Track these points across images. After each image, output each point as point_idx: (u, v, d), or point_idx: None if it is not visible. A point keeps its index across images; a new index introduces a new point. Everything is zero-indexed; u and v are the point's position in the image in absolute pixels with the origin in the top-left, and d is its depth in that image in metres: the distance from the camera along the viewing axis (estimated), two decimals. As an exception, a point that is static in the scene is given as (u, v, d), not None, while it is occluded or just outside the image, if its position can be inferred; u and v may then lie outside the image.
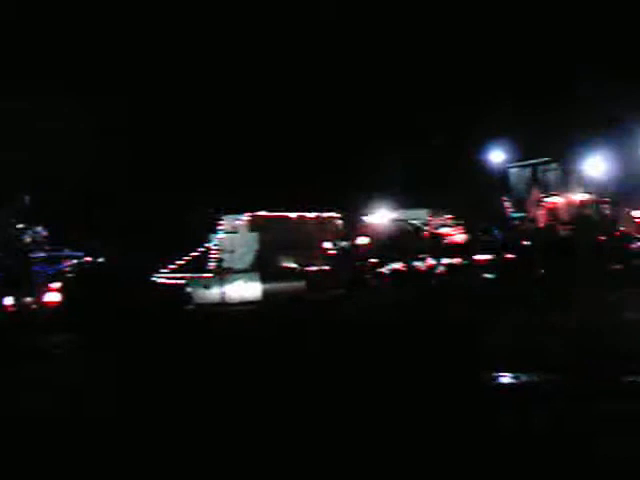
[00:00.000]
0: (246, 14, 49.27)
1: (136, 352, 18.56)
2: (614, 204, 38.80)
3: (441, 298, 29.42)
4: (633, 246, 35.78)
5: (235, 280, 36.37)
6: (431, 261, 37.43)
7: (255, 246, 39.13)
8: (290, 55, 49.02)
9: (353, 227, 40.63)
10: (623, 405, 9.04)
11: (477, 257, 36.77)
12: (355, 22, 48.14)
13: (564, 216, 38.62)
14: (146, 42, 46.09)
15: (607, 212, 38.78)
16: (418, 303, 27.89)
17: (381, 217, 40.29)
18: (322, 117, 48.24)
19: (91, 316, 25.33)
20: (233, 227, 39.84)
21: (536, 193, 40.63)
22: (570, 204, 39.00)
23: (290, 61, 49.21)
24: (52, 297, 26.91)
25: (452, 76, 48.54)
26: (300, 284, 36.88)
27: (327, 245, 39.18)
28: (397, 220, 40.24)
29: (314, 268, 38.34)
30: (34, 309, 27.88)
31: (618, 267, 33.21)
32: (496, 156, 44.95)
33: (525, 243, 37.30)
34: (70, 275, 28.56)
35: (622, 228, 37.55)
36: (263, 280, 36.36)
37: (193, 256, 37.65)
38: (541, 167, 41.86)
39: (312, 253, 39.32)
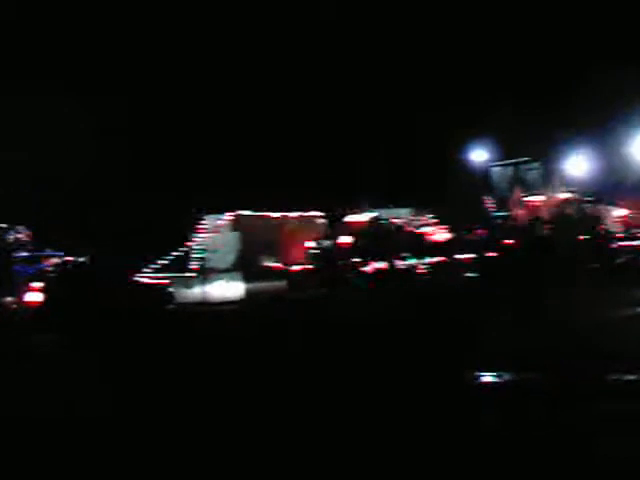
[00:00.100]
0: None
1: (118, 352, 18.51)
2: (595, 203, 38.98)
3: (423, 297, 29.45)
4: (614, 245, 35.92)
5: (217, 280, 36.35)
6: (413, 260, 37.49)
7: (237, 246, 39.11)
8: (274, 55, 49.09)
9: (335, 226, 40.62)
10: (607, 404, 9.06)
11: (459, 256, 36.88)
12: (338, 29, 48.21)
13: (545, 215, 38.75)
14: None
15: (588, 211, 38.94)
16: (400, 302, 27.91)
17: (363, 216, 40.31)
18: (304, 117, 48.25)
19: (73, 316, 25.22)
20: (215, 227, 39.81)
21: (518, 192, 40.80)
22: (551, 203, 39.16)
23: (273, 61, 49.26)
24: (33, 297, 26.77)
25: (435, 77, 48.63)
26: (282, 284, 36.88)
27: (309, 244, 39.17)
28: (379, 219, 40.28)
29: (296, 268, 38.33)
30: (15, 309, 27.75)
31: (599, 266, 33.34)
32: (478, 155, 45.12)
33: (507, 242, 37.38)
34: (51, 275, 28.39)
35: (603, 227, 37.70)
36: (245, 280, 36.35)
37: (175, 256, 37.60)
38: (523, 166, 42.06)
39: (295, 253, 39.32)
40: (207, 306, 33.68)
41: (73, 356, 19.08)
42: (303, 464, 7.88)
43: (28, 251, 30.23)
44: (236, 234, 39.45)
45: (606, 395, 9.58)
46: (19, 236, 30.68)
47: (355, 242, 38.37)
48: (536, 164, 41.88)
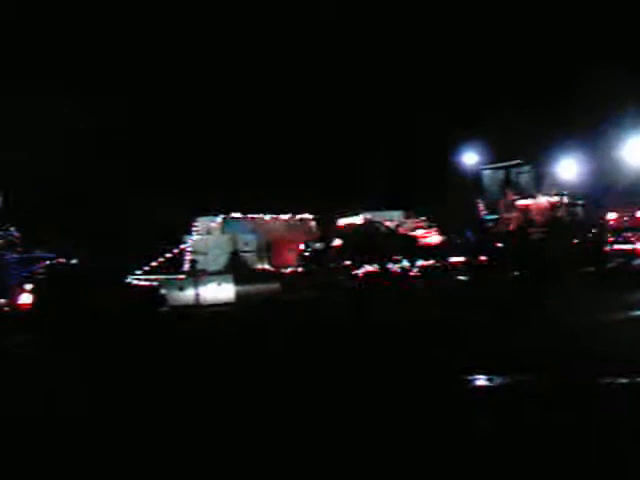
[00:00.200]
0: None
1: (101, 352, 18.47)
2: (587, 206, 39.04)
3: (414, 300, 29.45)
4: (606, 248, 35.97)
5: (209, 282, 36.30)
6: (405, 263, 37.52)
7: (229, 248, 39.08)
8: (265, 59, 49.15)
9: (327, 229, 40.64)
10: (598, 406, 9.08)
11: (451, 259, 36.93)
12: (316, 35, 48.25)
13: (537, 218, 38.80)
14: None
15: (580, 214, 39.01)
16: (391, 304, 27.90)
17: (355, 219, 40.35)
18: (296, 120, 48.25)
19: (62, 317, 25.19)
20: (207, 229, 39.80)
21: (509, 195, 40.83)
22: (543, 206, 39.21)
23: (264, 65, 49.31)
24: (25, 299, 26.76)
25: (428, 81, 48.70)
26: (274, 286, 36.85)
27: (301, 247, 39.19)
28: (371, 222, 40.31)
29: (288, 270, 38.33)
30: (6, 311, 27.71)
31: (591, 269, 33.38)
32: (469, 158, 45.12)
33: (498, 245, 37.46)
34: (42, 277, 28.36)
35: (595, 230, 37.76)
36: (237, 282, 36.30)
37: (167, 258, 37.57)
38: (514, 169, 42.07)
39: (286, 255, 39.33)
40: (199, 308, 33.62)
41: (51, 356, 19.03)
42: (293, 465, 7.86)
43: (18, 253, 30.16)
44: (228, 236, 39.45)
45: (599, 398, 9.60)
46: (9, 238, 30.61)
47: (347, 244, 38.40)
48: (527, 167, 41.91)
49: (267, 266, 39.22)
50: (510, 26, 48.37)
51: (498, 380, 11.30)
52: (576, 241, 36.26)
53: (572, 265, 32.42)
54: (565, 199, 39.32)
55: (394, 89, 49.23)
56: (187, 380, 13.31)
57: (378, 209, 41.90)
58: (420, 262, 37.36)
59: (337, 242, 38.93)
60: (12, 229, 30.94)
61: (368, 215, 40.73)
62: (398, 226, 40.73)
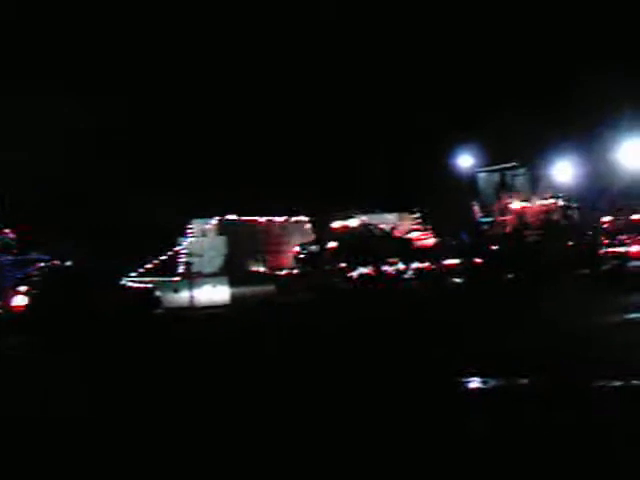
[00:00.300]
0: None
1: (96, 354, 18.46)
2: (582, 209, 39.04)
3: (409, 301, 29.47)
4: (601, 251, 35.97)
5: (204, 284, 36.31)
6: (400, 265, 37.53)
7: (224, 250, 39.09)
8: (262, 61, 49.15)
9: (322, 231, 40.65)
10: (594, 408, 9.08)
11: (446, 261, 36.93)
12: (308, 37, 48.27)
13: (532, 221, 38.78)
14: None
15: (575, 217, 38.99)
16: (387, 306, 27.91)
17: (350, 221, 40.35)
18: (291, 122, 48.26)
19: (56, 319, 25.17)
20: (202, 231, 39.79)
21: (504, 198, 40.81)
22: (538, 209, 39.20)
23: (260, 67, 49.29)
24: (20, 301, 26.71)
25: (422, 82, 48.71)
26: (269, 288, 36.88)
27: (296, 249, 39.18)
28: (366, 224, 40.32)
29: (284, 272, 38.34)
30: (0, 313, 27.64)
31: (586, 272, 33.39)
32: (465, 161, 45.12)
33: (493, 248, 37.45)
34: (37, 279, 28.30)
35: (590, 233, 37.76)
36: (232, 284, 36.31)
37: (162, 260, 37.56)
38: (509, 172, 42.04)
39: (281, 257, 39.34)
40: (194, 310, 33.64)
41: (46, 358, 19.01)
42: (283, 468, 7.86)
43: (13, 255, 30.10)
44: (223, 238, 39.44)
45: (594, 400, 9.61)
46: (4, 240, 30.55)
47: (342, 247, 38.41)
48: (522, 170, 41.87)
49: (262, 268, 39.22)
50: (504, 29, 48.41)
51: (493, 382, 11.30)
52: (571, 243, 36.25)
53: (567, 267, 32.43)
54: (560, 202, 39.30)
55: (389, 92, 49.28)
56: (183, 381, 13.30)
57: (373, 211, 41.93)
58: (415, 264, 37.37)
59: (332, 244, 38.92)
60: (7, 230, 30.85)
61: (363, 217, 40.72)
62: (393, 228, 40.73)
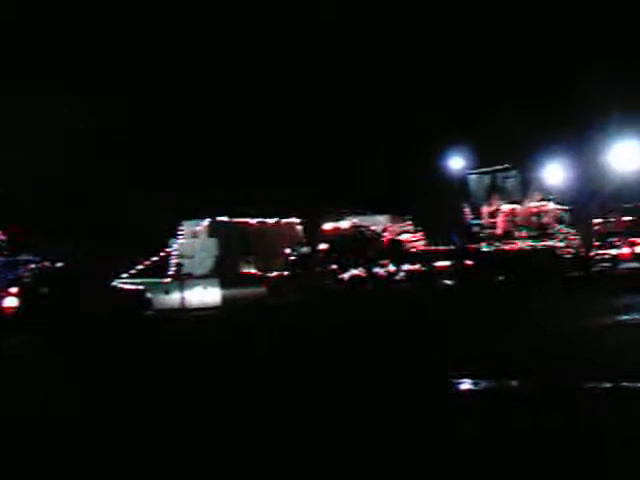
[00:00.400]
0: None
1: (87, 356, 18.45)
2: (573, 211, 39.15)
3: (400, 303, 29.50)
4: (592, 253, 36.09)
5: (195, 285, 36.27)
6: (391, 267, 37.55)
7: (215, 252, 39.04)
8: (257, 62, 49.19)
9: (313, 233, 40.63)
10: (583, 410, 9.10)
11: (437, 263, 36.95)
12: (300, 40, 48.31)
13: (523, 223, 38.87)
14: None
15: (566, 219, 39.09)
16: (378, 308, 27.93)
17: (341, 223, 40.34)
18: (283, 124, 48.27)
19: (49, 320, 25.17)
20: (193, 233, 39.73)
21: (495, 200, 40.89)
22: (529, 211, 39.29)
23: (254, 67, 49.32)
24: (10, 302, 26.67)
25: (414, 85, 48.78)
26: (260, 290, 36.86)
27: (287, 251, 39.16)
28: (357, 226, 40.32)
29: (275, 274, 38.32)
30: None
31: (577, 274, 33.51)
32: (456, 163, 45.22)
33: (484, 249, 37.53)
34: (28, 280, 28.25)
35: (580, 235, 37.89)
36: (223, 286, 36.26)
37: (153, 261, 37.50)
38: (501, 174, 42.13)
39: (272, 259, 39.29)
40: (185, 312, 33.59)
41: (47, 358, 19.00)
42: (277, 469, 7.85)
43: (4, 256, 30.02)
44: (214, 240, 39.40)
45: (584, 402, 9.61)
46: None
47: (333, 248, 38.40)
48: (514, 172, 41.97)
49: (253, 270, 39.19)
50: (494, 32, 48.53)
51: (483, 383, 11.31)
52: (562, 245, 36.37)
53: (558, 269, 32.53)
54: (551, 204, 39.40)
55: (381, 94, 49.33)
56: (174, 383, 13.29)
57: (364, 213, 41.92)
58: (406, 266, 37.38)
59: (323, 246, 38.91)
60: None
61: (354, 219, 40.73)
62: (384, 230, 40.75)
